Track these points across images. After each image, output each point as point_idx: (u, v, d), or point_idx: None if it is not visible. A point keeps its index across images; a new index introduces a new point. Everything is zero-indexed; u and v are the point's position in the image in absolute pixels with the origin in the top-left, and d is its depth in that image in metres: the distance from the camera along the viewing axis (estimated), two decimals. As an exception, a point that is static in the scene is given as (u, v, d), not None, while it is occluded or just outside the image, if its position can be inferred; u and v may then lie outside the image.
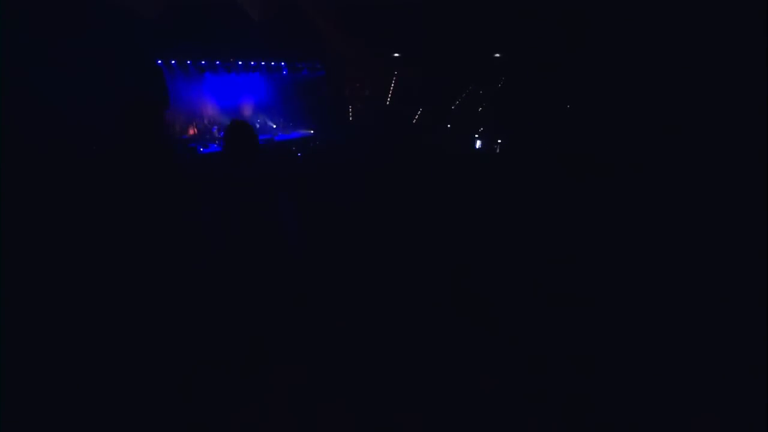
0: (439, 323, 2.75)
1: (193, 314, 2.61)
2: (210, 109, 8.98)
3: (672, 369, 2.23)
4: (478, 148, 8.54)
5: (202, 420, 2.04)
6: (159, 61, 7.57)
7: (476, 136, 8.74)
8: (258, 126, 9.55)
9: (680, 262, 3.08)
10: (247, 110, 9.75)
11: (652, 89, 5.44)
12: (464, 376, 2.28)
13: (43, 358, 2.31)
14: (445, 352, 2.48)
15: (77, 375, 2.24)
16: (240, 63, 8.80)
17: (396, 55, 9.34)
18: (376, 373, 2.30)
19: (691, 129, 4.47)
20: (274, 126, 9.95)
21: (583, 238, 3.64)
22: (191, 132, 8.45)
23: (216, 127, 8.78)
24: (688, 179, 4.00)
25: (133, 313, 2.71)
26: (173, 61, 7.83)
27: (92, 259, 3.14)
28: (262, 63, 9.23)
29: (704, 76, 4.23)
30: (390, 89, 9.81)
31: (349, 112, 10.00)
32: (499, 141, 8.21)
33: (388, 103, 9.84)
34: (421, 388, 2.20)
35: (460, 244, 3.79)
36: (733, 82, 3.74)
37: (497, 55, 8.76)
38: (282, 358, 2.40)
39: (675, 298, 2.76)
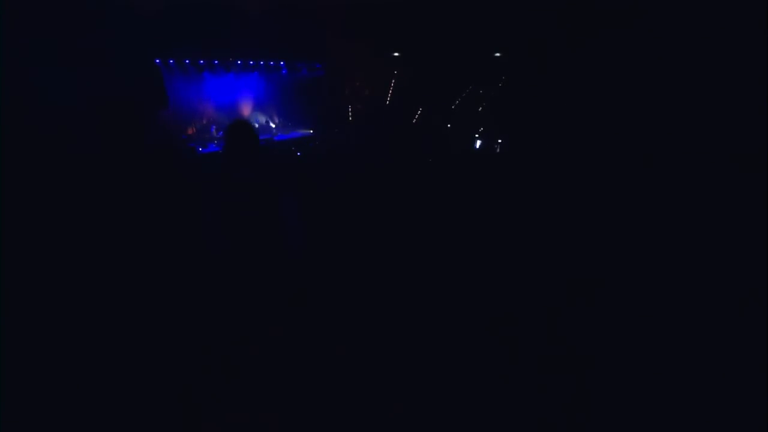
0: (438, 323, 2.76)
1: (190, 314, 2.63)
2: (209, 109, 9.00)
3: (672, 369, 2.25)
4: (478, 147, 8.56)
5: (198, 419, 2.06)
6: (157, 61, 7.58)
7: (476, 135, 8.77)
8: (257, 125, 9.58)
9: (681, 261, 3.10)
10: (246, 110, 9.76)
11: (653, 88, 5.45)
12: (463, 376, 2.29)
13: (39, 357, 2.32)
14: (443, 351, 2.49)
15: (74, 374, 2.25)
16: (239, 62, 8.82)
17: (396, 54, 9.36)
18: (373, 373, 2.32)
19: (692, 129, 4.49)
20: (274, 126, 9.96)
21: (583, 238, 3.66)
22: (190, 132, 8.46)
23: (215, 126, 8.79)
24: (690, 178, 4.01)
25: (129, 312, 2.73)
26: (171, 61, 7.84)
27: (86, 258, 3.16)
28: (261, 62, 9.25)
29: (705, 76, 4.25)
30: (390, 89, 9.83)
31: (348, 112, 10.02)
32: (500, 141, 8.23)
33: (387, 102, 9.86)
34: (420, 387, 2.22)
35: (461, 243, 3.81)
36: (733, 82, 3.76)
37: (497, 54, 8.78)
38: (281, 357, 2.42)
39: (676, 298, 2.78)
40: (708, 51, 4.20)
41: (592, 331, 2.59)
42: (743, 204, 3.15)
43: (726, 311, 2.58)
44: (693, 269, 2.99)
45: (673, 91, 4.91)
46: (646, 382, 2.16)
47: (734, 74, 3.75)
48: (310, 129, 10.05)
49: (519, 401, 2.12)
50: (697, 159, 4.09)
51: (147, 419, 2.04)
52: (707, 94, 4.26)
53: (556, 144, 6.73)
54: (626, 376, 2.21)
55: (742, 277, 2.77)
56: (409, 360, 2.40)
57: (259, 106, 10.03)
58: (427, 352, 2.47)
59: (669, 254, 3.20)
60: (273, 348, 2.45)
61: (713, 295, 2.71)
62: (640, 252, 3.32)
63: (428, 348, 2.51)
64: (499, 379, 2.26)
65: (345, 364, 2.38)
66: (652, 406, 2.05)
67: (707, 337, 2.43)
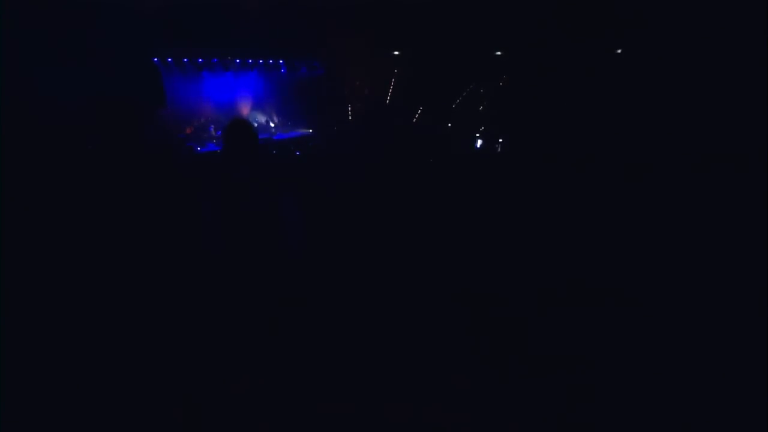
0: (440, 322, 2.77)
1: (188, 314, 2.64)
2: (207, 108, 8.99)
3: (672, 368, 2.26)
4: (479, 147, 8.56)
5: (197, 418, 2.07)
6: (155, 59, 7.59)
7: (477, 135, 8.77)
8: (256, 125, 9.57)
9: (682, 260, 3.12)
10: (245, 109, 9.76)
11: (656, 87, 5.47)
12: (464, 375, 2.31)
13: (39, 353, 2.34)
14: (444, 350, 2.50)
15: (74, 370, 2.27)
16: (237, 61, 8.82)
17: (396, 53, 9.35)
18: (373, 371, 2.33)
19: (695, 127, 4.49)
20: (273, 125, 9.96)
21: (585, 238, 3.67)
22: (188, 131, 8.46)
23: (213, 125, 8.79)
24: (692, 177, 4.02)
25: (124, 312, 2.74)
26: (170, 59, 7.84)
27: (82, 257, 3.17)
28: (260, 61, 9.25)
29: (705, 75, 4.26)
30: (390, 88, 9.82)
31: (348, 111, 10.02)
32: (501, 140, 8.23)
33: (387, 101, 9.86)
34: (419, 385, 2.23)
35: (462, 244, 3.81)
36: (733, 82, 3.77)
37: (498, 53, 8.78)
38: (282, 356, 2.43)
39: (676, 297, 2.79)
40: (708, 51, 4.21)
41: (592, 331, 2.60)
42: (743, 204, 3.16)
43: (726, 310, 2.59)
44: (693, 269, 3.01)
45: (674, 90, 4.92)
46: (646, 382, 2.18)
47: (734, 74, 3.77)
48: (310, 128, 10.05)
49: (518, 402, 2.14)
50: (698, 159, 4.10)
51: (146, 418, 2.06)
52: (709, 93, 4.27)
53: (557, 144, 6.73)
54: (625, 377, 2.22)
55: (742, 276, 2.78)
56: (409, 360, 2.41)
57: (258, 105, 10.02)
58: (428, 353, 2.48)
59: (670, 253, 3.21)
60: (270, 348, 2.46)
61: (713, 295, 2.72)
62: (641, 251, 3.33)
63: (429, 348, 2.52)
64: (499, 380, 2.28)
65: (345, 364, 2.39)
66: (651, 405, 2.07)
67: (707, 336, 2.44)
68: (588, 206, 4.27)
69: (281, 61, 9.59)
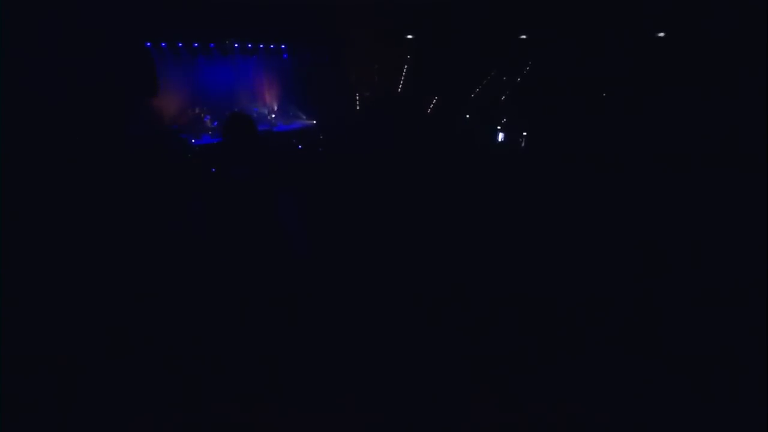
0: (447, 324, 2.81)
1: (191, 312, 2.63)
2: (203, 97, 9.00)
3: (675, 365, 2.34)
4: (501, 141, 8.48)
5: (196, 417, 2.11)
6: (148, 44, 7.61)
7: (498, 128, 8.68)
8: (255, 115, 9.57)
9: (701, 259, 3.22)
10: (244, 98, 9.76)
11: (684, 77, 5.41)
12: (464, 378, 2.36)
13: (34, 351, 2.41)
14: (449, 353, 2.55)
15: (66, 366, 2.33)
16: (236, 46, 8.82)
17: (409, 36, 9.28)
18: (374, 372, 2.38)
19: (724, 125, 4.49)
20: (273, 115, 9.96)
21: (603, 239, 3.67)
22: (182, 121, 8.48)
23: (209, 116, 8.80)
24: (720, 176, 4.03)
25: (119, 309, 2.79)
26: (163, 44, 7.87)
27: (64, 255, 3.21)
28: (261, 46, 9.24)
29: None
30: (402, 75, 9.76)
31: (356, 101, 9.98)
32: (525, 134, 8.13)
33: (399, 90, 9.81)
34: (418, 386, 2.28)
35: (476, 246, 3.77)
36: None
37: (523, 36, 8.66)
38: (282, 356, 2.45)
39: (686, 296, 2.87)
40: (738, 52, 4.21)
41: (597, 331, 2.67)
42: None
43: (726, 309, 2.68)
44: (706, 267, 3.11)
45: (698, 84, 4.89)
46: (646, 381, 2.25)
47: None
48: (313, 119, 10.03)
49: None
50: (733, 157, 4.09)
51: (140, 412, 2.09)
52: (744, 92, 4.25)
53: (587, 138, 6.64)
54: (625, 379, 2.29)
55: (743, 275, 2.89)
56: (410, 361, 2.44)
57: (257, 94, 10.03)
58: (435, 356, 2.51)
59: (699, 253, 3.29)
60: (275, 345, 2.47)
61: (719, 294, 2.81)
62: (671, 252, 3.38)
63: (436, 351, 2.54)
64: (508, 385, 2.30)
65: (347, 365, 2.43)
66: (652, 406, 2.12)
67: (712, 334, 2.54)
68: (614, 205, 4.25)
69: (283, 46, 9.57)
